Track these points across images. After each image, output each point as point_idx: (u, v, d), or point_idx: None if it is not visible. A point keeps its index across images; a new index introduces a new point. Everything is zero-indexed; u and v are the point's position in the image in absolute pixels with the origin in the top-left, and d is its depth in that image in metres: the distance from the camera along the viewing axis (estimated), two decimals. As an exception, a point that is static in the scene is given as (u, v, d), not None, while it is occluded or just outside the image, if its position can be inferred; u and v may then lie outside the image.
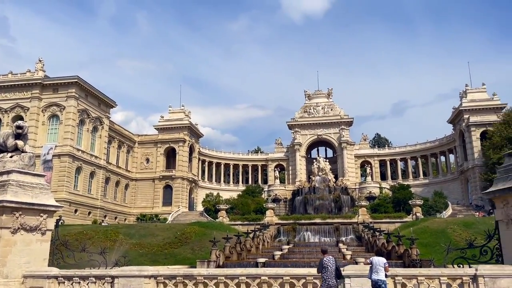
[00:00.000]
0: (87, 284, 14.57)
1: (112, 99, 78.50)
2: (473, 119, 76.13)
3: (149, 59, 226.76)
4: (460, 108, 79.35)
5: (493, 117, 73.74)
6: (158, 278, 14.07)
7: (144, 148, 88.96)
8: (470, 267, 13.60)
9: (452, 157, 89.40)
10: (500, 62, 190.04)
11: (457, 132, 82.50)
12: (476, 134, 75.33)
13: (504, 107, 74.83)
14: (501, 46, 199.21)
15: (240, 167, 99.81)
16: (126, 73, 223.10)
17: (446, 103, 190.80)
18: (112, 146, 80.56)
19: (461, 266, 14.14)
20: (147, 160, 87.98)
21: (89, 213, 69.65)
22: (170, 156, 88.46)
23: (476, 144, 74.68)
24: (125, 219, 79.18)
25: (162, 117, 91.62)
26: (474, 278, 12.88)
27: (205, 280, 13.78)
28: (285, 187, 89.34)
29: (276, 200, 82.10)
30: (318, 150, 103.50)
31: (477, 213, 61.81)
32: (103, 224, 62.42)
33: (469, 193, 78.09)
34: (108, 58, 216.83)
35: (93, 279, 14.56)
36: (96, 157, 73.42)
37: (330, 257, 12.65)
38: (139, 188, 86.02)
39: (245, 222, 58.21)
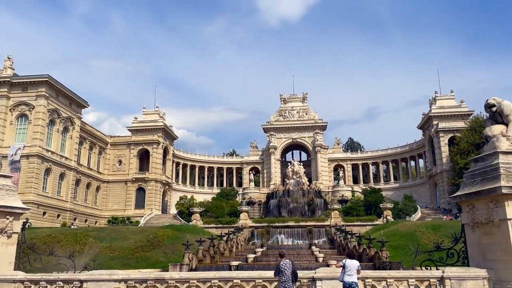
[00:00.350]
0: (55, 289, 14.21)
1: (84, 99, 76.83)
2: (442, 125, 78.44)
3: (124, 59, 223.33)
4: (430, 114, 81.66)
5: (460, 124, 76.18)
6: (128, 282, 13.86)
7: (117, 149, 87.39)
8: (437, 269, 14.00)
9: (421, 162, 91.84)
10: (468, 70, 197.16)
11: (427, 137, 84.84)
12: (444, 139, 77.61)
13: (471, 114, 77.35)
14: (469, 55, 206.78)
15: (215, 170, 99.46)
16: (99, 73, 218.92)
17: (417, 109, 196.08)
18: (83, 147, 78.78)
19: (429, 268, 14.54)
20: (120, 162, 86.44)
21: (58, 215, 67.78)
22: (144, 158, 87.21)
23: (445, 149, 76.95)
24: (95, 222, 77.49)
25: (136, 118, 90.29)
26: (441, 280, 13.28)
27: (177, 284, 13.68)
28: (259, 190, 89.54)
29: (250, 203, 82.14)
30: (292, 153, 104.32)
31: (445, 217, 63.61)
32: (72, 227, 60.94)
33: (438, 197, 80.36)
34: (81, 57, 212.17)
35: (61, 283, 14.22)
36: (66, 158, 71.61)
37: (287, 260, 12.92)
38: (111, 190, 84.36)
39: (219, 225, 58.08)
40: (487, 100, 14.82)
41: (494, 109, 14.58)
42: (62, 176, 70.22)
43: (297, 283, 13.38)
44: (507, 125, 14.41)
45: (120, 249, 40.18)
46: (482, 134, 15.32)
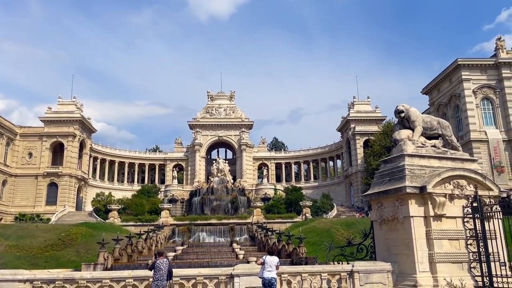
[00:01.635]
0: None
1: (-10, 85, 69.95)
2: (358, 128, 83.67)
3: (39, 44, 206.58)
4: (348, 118, 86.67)
5: (374, 128, 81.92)
6: (34, 283, 12.92)
7: (27, 141, 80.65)
8: (348, 263, 14.87)
9: (339, 162, 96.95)
10: (383, 78, 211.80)
11: (345, 139, 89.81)
12: (360, 142, 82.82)
13: (384, 119, 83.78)
14: (384, 64, 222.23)
15: (136, 166, 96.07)
16: (10, 57, 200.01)
17: (337, 113, 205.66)
18: (-13, 137, 71.69)
19: (341, 262, 15.39)
20: (30, 154, 79.89)
21: (-45, 212, 61.04)
22: (58, 151, 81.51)
23: (360, 151, 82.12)
24: (1, 219, 71.00)
25: (50, 108, 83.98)
26: (351, 273, 14.12)
27: (88, 284, 13.01)
28: (183, 188, 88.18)
29: (173, 200, 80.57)
30: (218, 151, 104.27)
31: (358, 214, 67.74)
32: (-29, 225, 55.25)
33: (352, 196, 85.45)
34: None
35: (-46, 286, 12.82)
36: (-34, 149, 64.65)
37: (165, 259, 13.10)
38: (19, 185, 77.72)
39: (138, 223, 56.46)
40: (396, 107, 16.07)
41: (402, 115, 15.87)
42: (-40, 168, 63.32)
43: (215, 280, 13.44)
44: (413, 130, 15.74)
45: (28, 248, 37.61)
46: (391, 137, 16.53)
